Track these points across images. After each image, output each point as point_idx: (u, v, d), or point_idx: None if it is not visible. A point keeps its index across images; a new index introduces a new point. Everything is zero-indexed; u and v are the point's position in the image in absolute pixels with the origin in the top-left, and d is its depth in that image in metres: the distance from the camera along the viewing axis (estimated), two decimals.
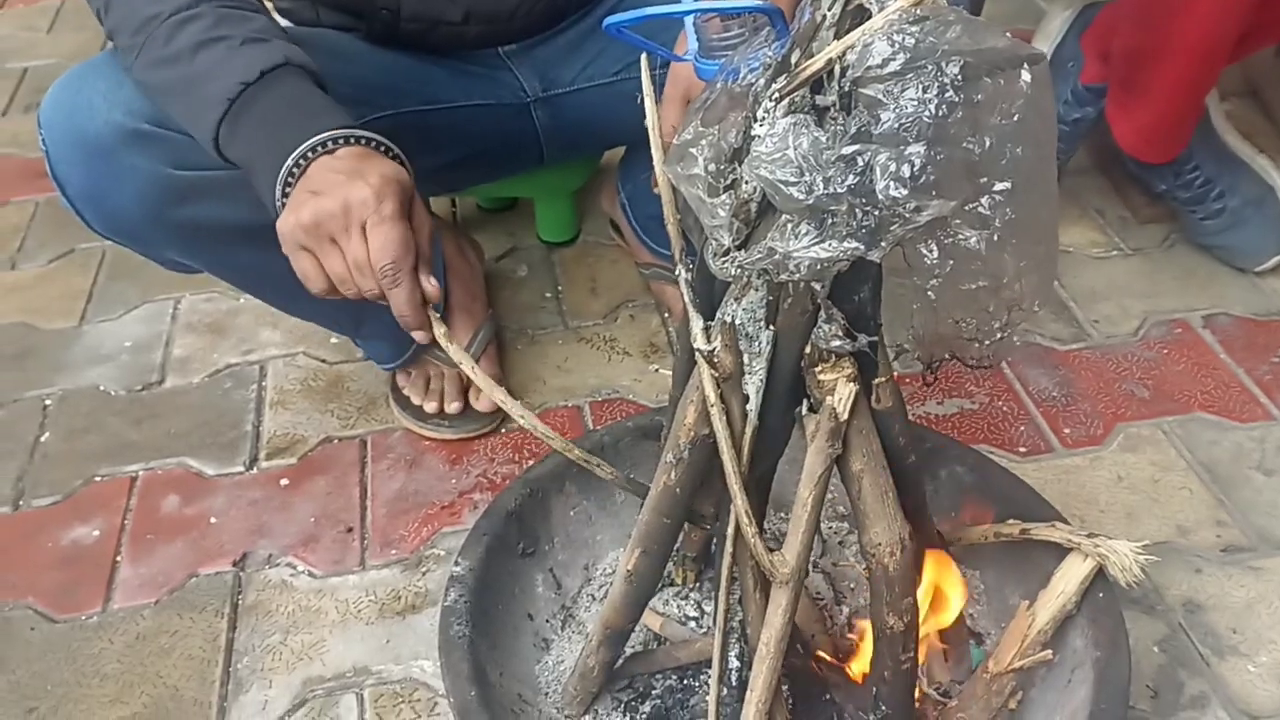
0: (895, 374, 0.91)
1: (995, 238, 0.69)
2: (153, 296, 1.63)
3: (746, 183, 0.74)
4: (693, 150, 0.75)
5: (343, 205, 0.89)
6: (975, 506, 1.06)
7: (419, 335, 0.93)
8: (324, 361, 1.50)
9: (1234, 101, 1.72)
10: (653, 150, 0.84)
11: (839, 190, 0.67)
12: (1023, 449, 1.32)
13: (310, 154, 0.91)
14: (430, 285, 0.92)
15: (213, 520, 1.28)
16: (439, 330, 0.93)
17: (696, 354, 0.82)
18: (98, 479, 1.34)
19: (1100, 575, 0.95)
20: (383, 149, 0.94)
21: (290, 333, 1.54)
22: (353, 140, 0.93)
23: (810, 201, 0.68)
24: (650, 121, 0.84)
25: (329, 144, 0.92)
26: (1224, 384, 1.39)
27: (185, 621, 1.17)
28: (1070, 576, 0.95)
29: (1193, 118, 1.46)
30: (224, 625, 1.16)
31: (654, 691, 1.02)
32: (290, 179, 0.92)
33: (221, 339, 1.55)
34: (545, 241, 1.68)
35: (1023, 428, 1.34)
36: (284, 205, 0.92)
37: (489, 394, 0.95)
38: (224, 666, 1.12)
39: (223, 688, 1.10)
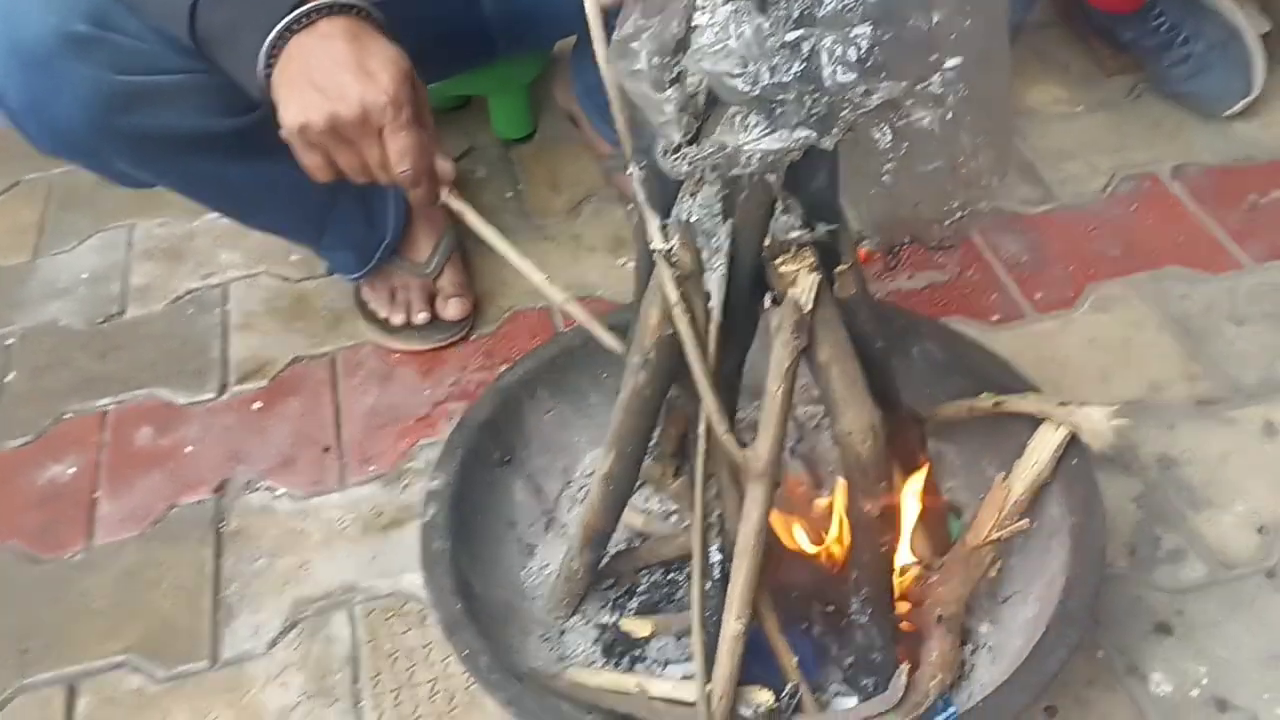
0: (866, 252, 0.90)
1: (949, 116, 0.67)
2: (105, 225, 1.59)
3: (693, 75, 0.71)
4: (634, 45, 0.72)
5: (360, 113, 0.89)
6: (949, 382, 1.05)
7: (433, 198, 0.95)
8: (287, 280, 1.47)
9: None
10: (595, 46, 0.80)
11: (785, 79, 0.65)
12: (995, 317, 1.31)
13: (296, 25, 0.89)
14: (447, 167, 0.95)
15: (188, 449, 1.27)
16: (456, 204, 0.97)
17: (655, 254, 0.80)
18: (68, 416, 1.33)
19: (1074, 441, 0.95)
20: (369, 20, 0.92)
21: (250, 253, 1.51)
22: (337, 9, 0.90)
23: (756, 93, 0.65)
24: (590, 13, 0.80)
25: (312, 15, 0.90)
26: (1194, 235, 1.38)
27: (170, 552, 1.17)
28: (1044, 446, 0.95)
29: None
30: (209, 553, 1.16)
31: (640, 587, 1.04)
32: (274, 53, 0.90)
33: (180, 264, 1.52)
34: (502, 139, 1.64)
35: (994, 296, 1.34)
36: (268, 78, 0.90)
37: (529, 275, 0.99)
38: (213, 594, 1.13)
39: (214, 615, 1.11)
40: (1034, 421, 0.98)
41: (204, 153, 1.06)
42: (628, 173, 0.82)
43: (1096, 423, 0.93)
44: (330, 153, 0.92)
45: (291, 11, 0.90)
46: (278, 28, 0.90)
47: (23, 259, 1.56)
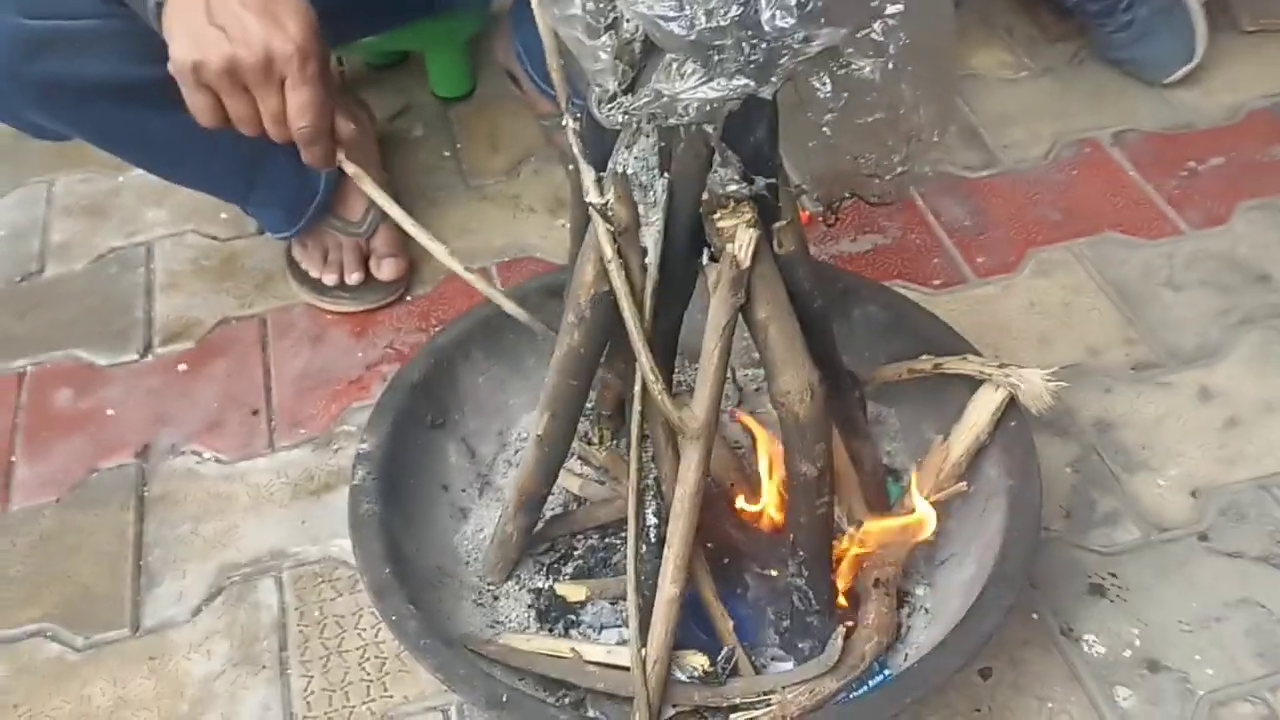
0: (807, 214, 0.89)
1: (890, 65, 0.66)
2: (24, 180, 1.53)
3: (628, 21, 0.69)
4: None
5: (263, 59, 0.85)
6: (889, 344, 1.05)
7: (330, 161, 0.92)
8: (215, 239, 1.42)
9: None
10: None
11: (723, 23, 0.62)
12: (937, 281, 1.30)
13: None
14: (347, 128, 0.92)
15: (110, 412, 1.23)
16: (351, 168, 0.93)
17: (590, 208, 0.78)
18: None
19: (1012, 404, 0.95)
20: None
21: (176, 210, 1.46)
22: None
23: (693, 37, 0.63)
24: None
25: None
26: (1134, 201, 1.38)
27: (90, 518, 1.13)
28: (983, 408, 0.95)
29: None
30: (131, 518, 1.13)
31: (576, 552, 1.02)
32: None
33: (103, 221, 1.46)
34: (440, 97, 1.60)
35: (936, 260, 1.33)
36: (160, 6, 0.86)
37: (426, 245, 0.95)
38: (134, 560, 1.09)
39: (135, 581, 1.08)
40: (973, 385, 0.98)
41: (122, 102, 1.02)
42: (563, 124, 0.79)
43: (1034, 385, 0.93)
44: (223, 96, 0.87)
45: None
46: None
47: None
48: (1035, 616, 1.00)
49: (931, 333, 1.04)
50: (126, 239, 1.44)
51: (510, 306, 0.95)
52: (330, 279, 1.31)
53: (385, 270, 1.31)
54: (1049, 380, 0.93)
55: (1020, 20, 1.65)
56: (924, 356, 1.00)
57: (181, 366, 1.27)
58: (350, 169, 0.93)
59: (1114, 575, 1.03)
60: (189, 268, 1.39)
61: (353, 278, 1.30)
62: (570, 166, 1.31)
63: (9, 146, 1.58)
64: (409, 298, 1.33)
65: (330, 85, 0.90)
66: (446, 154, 1.52)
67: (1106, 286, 1.28)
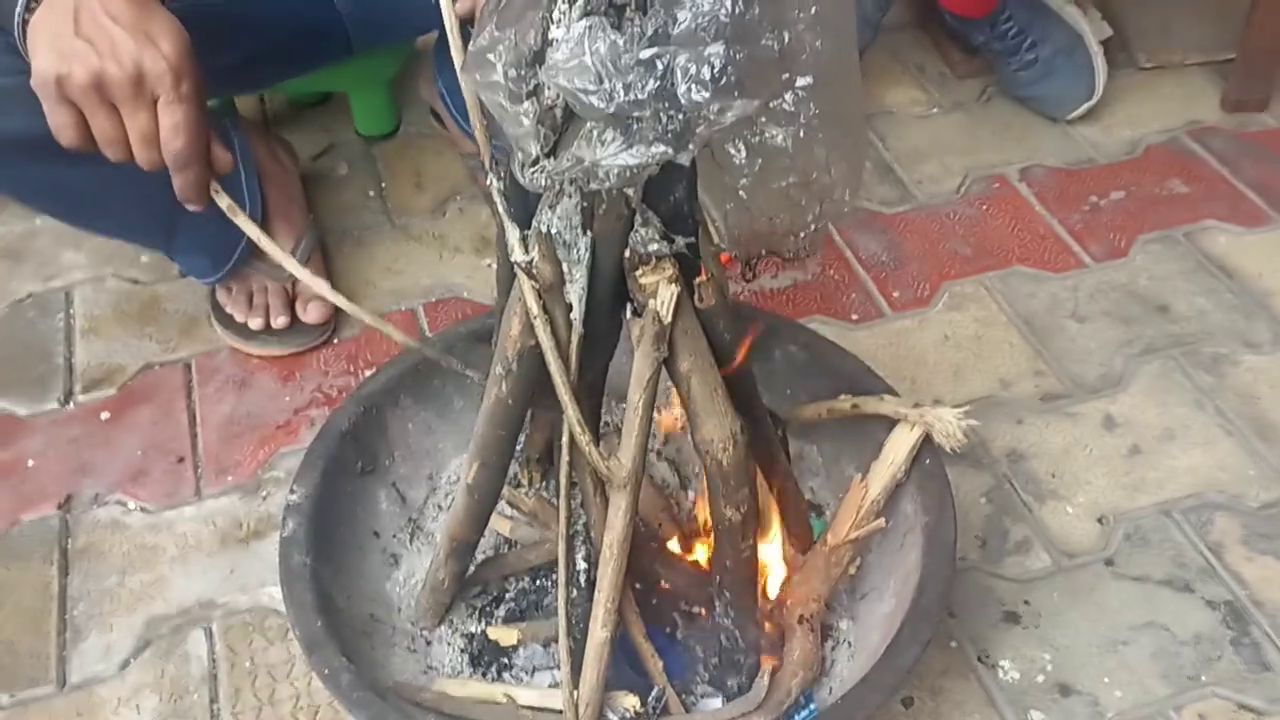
0: (727, 256, 0.91)
1: (802, 133, 0.69)
2: None
3: (549, 89, 0.71)
4: (490, 56, 0.71)
5: (133, 75, 0.82)
6: (809, 383, 1.08)
7: (194, 207, 0.89)
8: (136, 282, 1.41)
9: None
10: (452, 52, 0.79)
11: (640, 96, 0.64)
12: (855, 316, 1.34)
13: None
14: (224, 157, 0.89)
15: (30, 463, 1.21)
16: (224, 201, 0.90)
17: (515, 266, 0.79)
18: None
19: (927, 442, 0.98)
20: None
21: (95, 253, 1.45)
22: None
23: (612, 110, 0.65)
24: (448, 23, 0.79)
25: None
26: (1039, 235, 1.44)
27: (12, 573, 1.12)
28: (899, 446, 0.98)
29: None
30: (54, 572, 1.11)
31: (507, 594, 1.03)
32: None
33: (18, 265, 1.44)
34: (364, 136, 1.61)
35: (854, 295, 1.37)
36: (25, 22, 0.83)
37: (321, 292, 0.92)
38: (59, 615, 1.08)
39: (60, 637, 1.06)
40: (890, 423, 1.01)
41: (37, 158, 1.01)
42: (487, 183, 0.81)
43: (948, 424, 0.97)
44: (88, 114, 0.83)
45: None
46: None
47: None
48: (954, 644, 1.04)
49: (849, 371, 1.07)
50: (44, 283, 1.42)
51: (431, 353, 0.96)
52: (256, 323, 1.30)
53: (312, 313, 1.31)
54: (960, 419, 0.97)
55: (930, 58, 1.71)
56: (843, 396, 1.03)
57: (104, 414, 1.26)
58: (224, 202, 0.90)
59: (1027, 602, 1.07)
60: (110, 312, 1.38)
61: (279, 321, 1.30)
62: (495, 216, 1.32)
63: None
64: (336, 340, 1.33)
65: (204, 109, 0.87)
66: (371, 193, 1.53)
67: (1016, 319, 1.33)
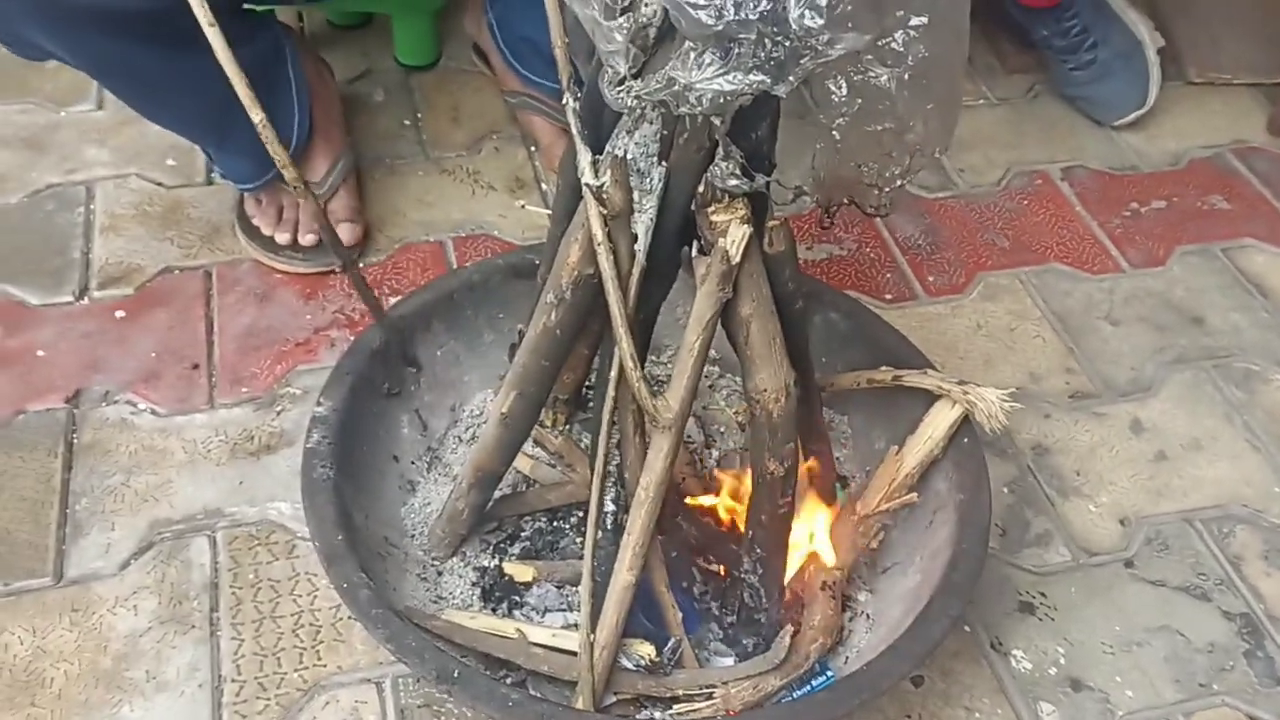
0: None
1: (906, 76, 0.67)
2: None
3: (647, 5, 0.69)
4: None
5: None
6: (848, 352, 1.06)
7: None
8: (160, 185, 1.38)
9: None
10: None
11: (750, 16, 0.62)
12: (888, 296, 1.33)
13: None
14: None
15: (40, 353, 1.18)
16: (256, 117, 0.81)
17: (584, 189, 0.77)
18: None
19: (966, 422, 0.97)
20: None
21: (120, 151, 1.41)
22: None
23: (719, 27, 0.63)
24: None
25: None
26: (1078, 235, 1.42)
27: (14, 461, 1.09)
28: (938, 422, 0.97)
29: None
30: (58, 465, 1.08)
31: (523, 534, 1.01)
32: None
33: (40, 155, 1.41)
34: (403, 65, 1.57)
35: (889, 275, 1.35)
36: None
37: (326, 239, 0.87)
38: (60, 508, 1.05)
39: (60, 530, 1.04)
40: (925, 399, 1.00)
41: (115, 33, 0.99)
42: (563, 101, 0.79)
43: (990, 404, 0.95)
44: None
45: None
46: None
47: None
48: (968, 629, 1.02)
49: (890, 344, 1.06)
50: (65, 176, 1.38)
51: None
52: (283, 238, 1.27)
53: (342, 234, 1.28)
54: (1004, 401, 0.95)
55: (979, 50, 1.68)
56: (884, 368, 1.02)
57: (119, 313, 1.23)
58: (257, 117, 0.82)
59: (1043, 594, 1.06)
60: (131, 212, 1.34)
61: (307, 239, 1.27)
62: (532, 147, 1.29)
63: None
64: (362, 264, 1.30)
65: None
66: (407, 123, 1.50)
67: (1050, 315, 1.32)
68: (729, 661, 0.93)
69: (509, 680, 0.89)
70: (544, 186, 1.41)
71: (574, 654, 0.87)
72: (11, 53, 1.07)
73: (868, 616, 0.97)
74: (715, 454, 1.09)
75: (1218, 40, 1.67)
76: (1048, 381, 1.25)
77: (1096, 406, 1.23)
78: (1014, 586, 1.06)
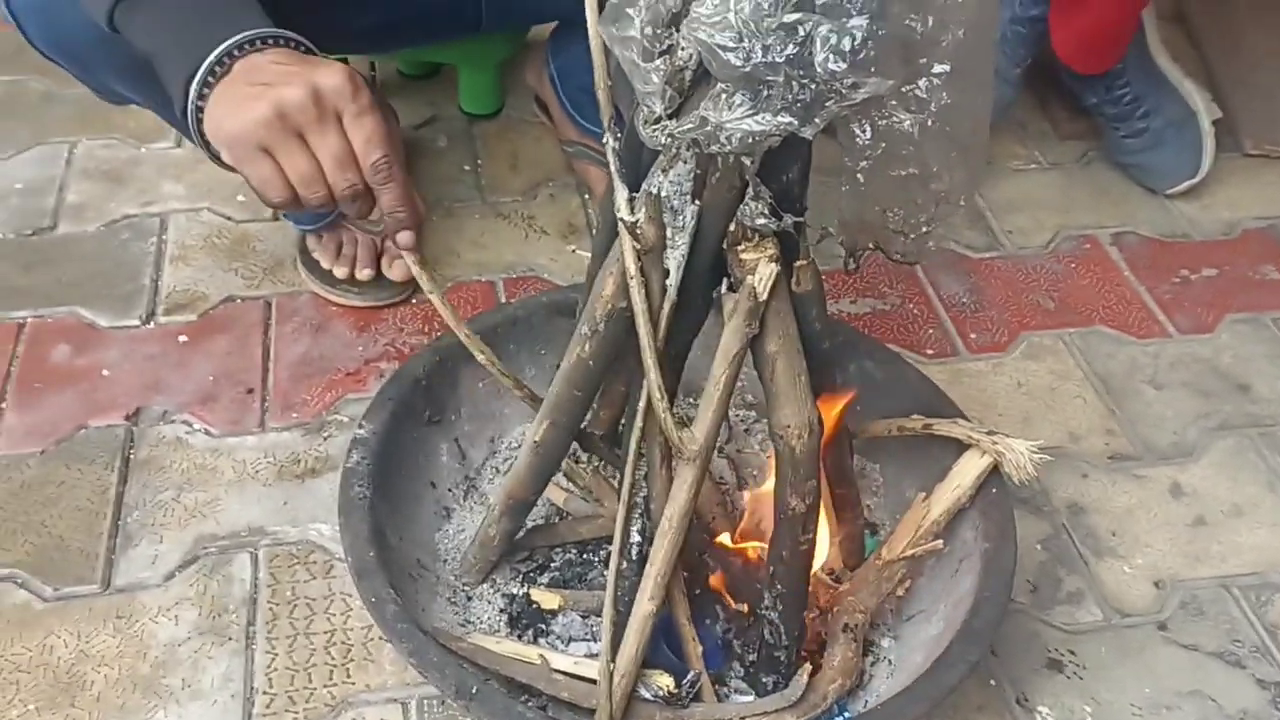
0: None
1: (929, 122, 0.69)
2: (46, 139, 1.55)
3: (683, 49, 0.72)
4: (630, 11, 0.72)
5: (312, 93, 0.77)
6: (881, 400, 1.07)
7: (406, 239, 0.84)
8: (230, 219, 1.44)
9: (1163, 26, 1.73)
10: (588, 7, 0.81)
11: (777, 59, 0.65)
12: (929, 351, 1.34)
13: (237, 51, 0.80)
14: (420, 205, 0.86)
15: (105, 373, 1.24)
16: (411, 259, 0.86)
17: (620, 224, 0.80)
18: None
19: (995, 472, 0.97)
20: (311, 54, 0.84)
21: (195, 186, 1.48)
22: (281, 41, 0.82)
23: (747, 69, 0.66)
24: None
25: (256, 42, 0.81)
26: (1126, 300, 1.42)
27: (73, 473, 1.14)
28: (967, 471, 0.97)
29: (1129, 31, 1.47)
30: (114, 479, 1.13)
31: (553, 564, 1.03)
32: (211, 79, 0.80)
33: (120, 188, 1.48)
34: (467, 113, 1.64)
35: (931, 330, 1.36)
36: (203, 109, 0.81)
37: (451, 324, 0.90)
38: (113, 519, 1.10)
39: (111, 540, 1.08)
40: (957, 450, 1.00)
41: None
42: (603, 141, 0.82)
43: (1019, 455, 0.95)
44: (280, 153, 0.78)
45: (223, 40, 0.80)
46: (209, 59, 0.80)
47: None
48: (993, 683, 1.02)
49: (924, 394, 1.07)
50: (142, 208, 1.45)
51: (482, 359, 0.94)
52: (341, 272, 1.32)
53: (396, 270, 1.33)
54: (1034, 453, 0.95)
55: (1033, 116, 1.70)
56: (914, 416, 1.03)
57: (182, 338, 1.28)
58: (412, 259, 0.86)
59: (1073, 653, 1.05)
60: (200, 243, 1.41)
61: (364, 274, 1.32)
62: (586, 194, 1.33)
63: (35, 104, 1.60)
64: (414, 300, 1.35)
65: (392, 127, 0.84)
66: (467, 168, 1.55)
67: (1092, 376, 1.32)
68: (749, 699, 0.94)
69: (529, 704, 0.91)
70: (597, 226, 1.45)
71: (594, 682, 0.88)
72: (97, 97, 1.13)
73: (889, 662, 0.97)
74: (746, 496, 1.10)
75: (1275, 113, 1.67)
76: (1087, 442, 1.24)
77: (1136, 469, 1.22)
78: (1043, 643, 1.05)
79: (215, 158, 0.84)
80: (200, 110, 0.81)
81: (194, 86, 0.81)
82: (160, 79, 0.85)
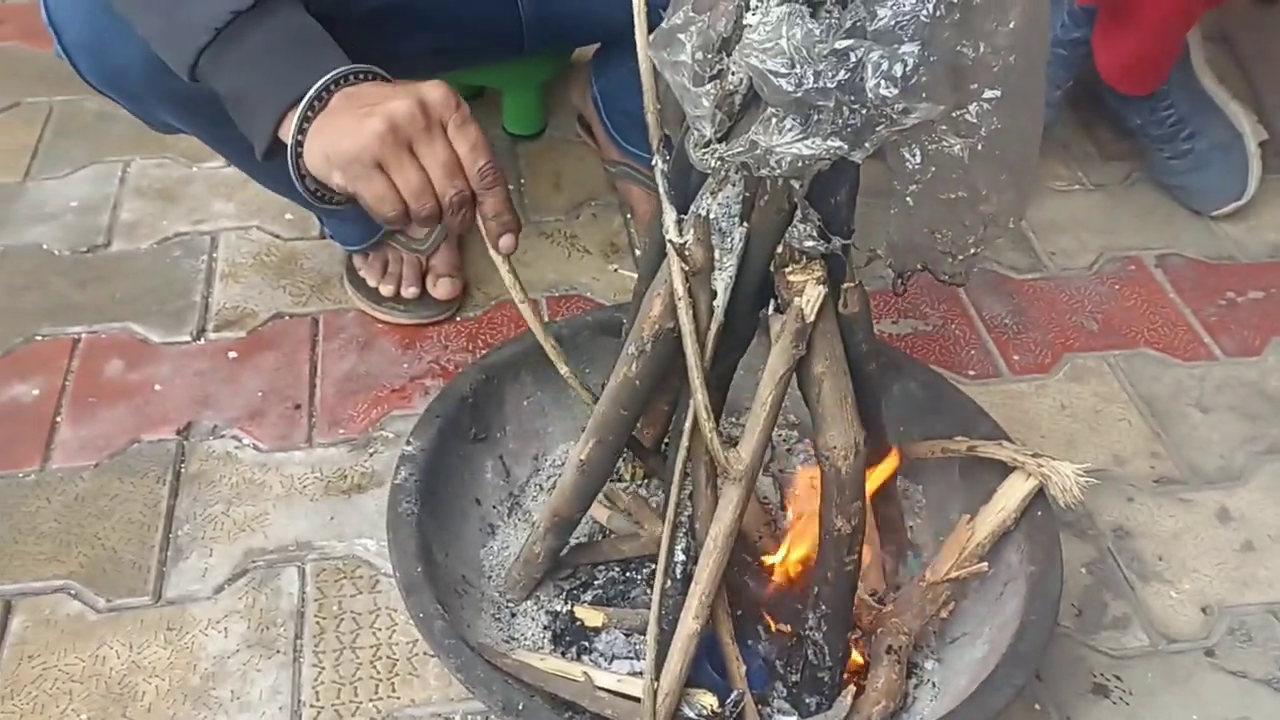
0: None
1: (979, 147, 0.69)
2: (101, 158, 1.58)
3: (733, 74, 0.73)
4: (680, 36, 0.73)
5: (419, 104, 0.80)
6: (925, 422, 1.07)
7: (508, 243, 0.87)
8: (278, 237, 1.46)
9: (1207, 47, 1.72)
10: (637, 32, 0.82)
11: (828, 85, 0.66)
12: (972, 372, 1.33)
13: (334, 85, 0.84)
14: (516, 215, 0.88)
15: (157, 388, 1.26)
16: (502, 267, 0.90)
17: (668, 246, 0.81)
18: (39, 338, 1.31)
19: (1040, 495, 0.97)
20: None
21: (245, 205, 1.50)
22: (371, 76, 0.86)
23: (799, 95, 0.67)
24: (636, 3, 0.82)
25: (350, 78, 0.85)
26: (1171, 322, 1.41)
27: (125, 486, 1.16)
28: (1012, 494, 0.97)
29: (1173, 53, 1.46)
30: (165, 492, 1.15)
31: (596, 582, 1.04)
32: (310, 113, 0.83)
33: (172, 206, 1.51)
34: (511, 134, 1.65)
35: (973, 351, 1.36)
36: (302, 143, 0.83)
37: (532, 327, 0.93)
38: (164, 532, 1.11)
39: (162, 553, 1.10)
40: (1001, 472, 1.00)
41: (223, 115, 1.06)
42: (653, 164, 0.83)
43: (1065, 478, 0.95)
44: (391, 166, 0.81)
45: (319, 77, 0.83)
46: (309, 94, 0.83)
47: (13, 179, 1.54)
48: (1038, 708, 1.01)
49: (967, 417, 1.07)
50: (193, 226, 1.48)
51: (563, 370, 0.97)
52: (387, 290, 1.34)
53: (441, 289, 1.34)
54: (1079, 476, 0.95)
55: (1078, 138, 1.70)
56: (958, 438, 1.02)
57: (231, 354, 1.30)
58: (503, 267, 0.91)
59: (1119, 678, 1.04)
60: (250, 261, 1.43)
61: (409, 292, 1.34)
62: (628, 214, 1.33)
63: (91, 123, 1.63)
64: (459, 318, 1.36)
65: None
66: (510, 187, 1.56)
67: (1137, 399, 1.31)
68: (792, 719, 0.94)
69: None
70: (637, 252, 1.46)
71: (638, 700, 0.89)
72: (148, 127, 1.16)
73: (934, 685, 0.97)
74: (790, 516, 1.10)
75: None
76: (1132, 465, 1.23)
77: (1182, 493, 1.21)
78: (1088, 668, 1.05)
79: (311, 191, 0.86)
80: (299, 145, 0.84)
81: (294, 121, 0.83)
82: (242, 119, 0.88)
